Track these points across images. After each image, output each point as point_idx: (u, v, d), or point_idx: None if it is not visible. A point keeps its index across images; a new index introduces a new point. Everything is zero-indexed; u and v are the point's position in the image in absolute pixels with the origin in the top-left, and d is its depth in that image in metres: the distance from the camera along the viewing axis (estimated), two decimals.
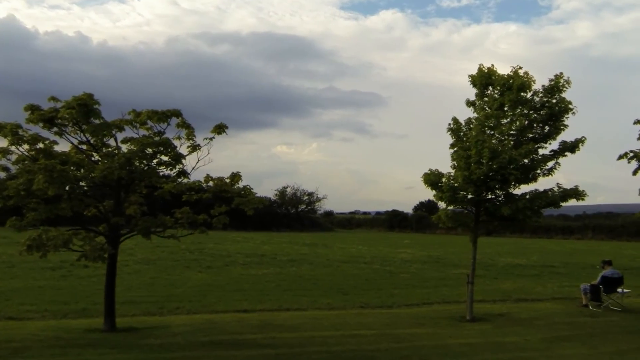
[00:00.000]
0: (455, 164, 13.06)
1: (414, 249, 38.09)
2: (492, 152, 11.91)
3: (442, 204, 13.37)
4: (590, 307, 14.40)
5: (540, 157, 12.50)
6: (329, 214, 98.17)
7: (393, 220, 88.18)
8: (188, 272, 20.96)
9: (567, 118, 12.73)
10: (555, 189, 12.56)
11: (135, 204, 9.63)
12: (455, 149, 13.09)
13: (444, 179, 12.87)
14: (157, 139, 9.77)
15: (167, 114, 9.76)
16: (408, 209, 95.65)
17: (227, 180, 11.00)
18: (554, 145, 12.92)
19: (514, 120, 12.62)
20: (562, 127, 12.71)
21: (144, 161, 9.67)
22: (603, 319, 13.07)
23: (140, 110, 9.93)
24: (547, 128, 12.72)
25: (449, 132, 13.30)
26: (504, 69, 13.06)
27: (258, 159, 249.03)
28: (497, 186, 12.47)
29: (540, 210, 12.68)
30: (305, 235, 60.09)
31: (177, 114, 9.90)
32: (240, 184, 11.45)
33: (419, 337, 10.98)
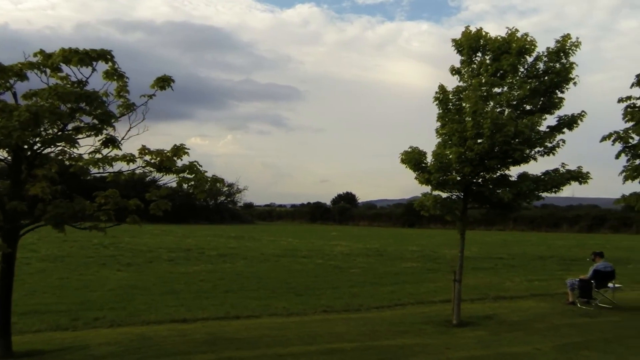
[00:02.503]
0: (444, 140, 11.03)
1: (346, 241, 36.23)
2: (494, 124, 9.94)
3: (423, 188, 11.30)
4: (579, 305, 12.88)
5: (543, 133, 10.67)
6: (248, 206, 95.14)
7: (315, 212, 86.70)
8: (105, 271, 17.83)
9: (567, 89, 11.01)
10: (562, 169, 10.79)
11: (43, 181, 6.77)
12: (444, 122, 11.05)
13: (430, 158, 10.80)
14: (77, 89, 6.96)
15: (91, 55, 6.95)
16: (324, 201, 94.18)
17: (169, 154, 8.31)
18: (549, 121, 11.18)
19: (513, 89, 10.72)
20: (557, 100, 10.96)
21: (59, 121, 6.83)
22: (604, 319, 11.50)
23: (52, 52, 7.07)
24: (542, 100, 10.91)
25: (436, 103, 11.23)
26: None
27: None
28: (497, 165, 10.54)
29: (541, 195, 10.90)
30: (228, 227, 57.04)
31: (105, 56, 7.11)
32: (185, 160, 8.80)
33: (412, 350, 8.85)
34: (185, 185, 8.86)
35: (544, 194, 11.03)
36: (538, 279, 17.36)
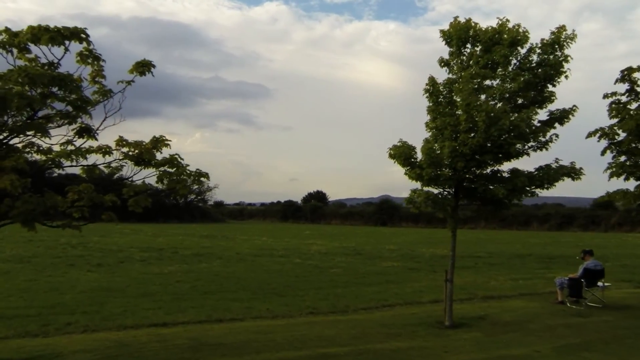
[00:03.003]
0: (435, 134, 10.59)
1: (321, 239, 35.75)
2: (489, 117, 9.54)
3: (412, 184, 10.83)
4: (568, 304, 12.60)
5: (536, 127, 10.31)
6: (219, 205, 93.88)
7: (287, 211, 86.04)
8: (74, 272, 16.96)
9: (558, 82, 10.67)
10: (554, 165, 10.43)
11: (12, 174, 6.01)
12: (435, 115, 10.60)
13: (422, 153, 10.34)
14: (49, 72, 6.24)
15: (63, 33, 6.23)
16: (294, 200, 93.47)
17: (148, 146, 7.64)
18: (539, 115, 10.80)
19: (506, 81, 10.33)
20: (548, 94, 10.60)
21: (28, 107, 6.11)
22: (597, 319, 11.22)
23: (19, 30, 6.33)
24: (532, 94, 10.53)
25: (426, 95, 10.78)
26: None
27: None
28: (490, 160, 10.14)
29: (535, 192, 10.55)
30: (199, 226, 56.04)
31: (79, 34, 6.39)
32: (165, 153, 8.13)
33: (407, 354, 8.39)
34: (165, 181, 8.17)
35: (537, 191, 10.69)
36: (522, 277, 17.10)
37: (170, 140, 8.15)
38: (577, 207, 63.00)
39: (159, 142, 8.13)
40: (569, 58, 10.26)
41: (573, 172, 10.45)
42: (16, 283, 14.46)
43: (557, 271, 19.01)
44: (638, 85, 14.09)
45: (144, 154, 7.66)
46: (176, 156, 8.35)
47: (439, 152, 10.33)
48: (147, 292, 13.62)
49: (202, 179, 8.36)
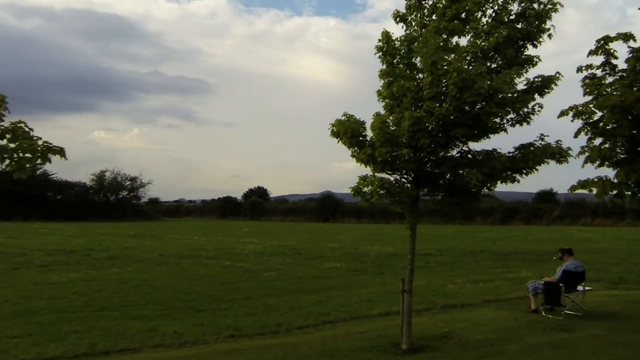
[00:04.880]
0: (389, 104, 8.28)
1: (259, 238, 33.11)
2: (462, 79, 7.27)
3: (362, 168, 8.49)
4: (543, 313, 10.57)
5: (518, 94, 8.11)
6: (154, 202, 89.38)
7: (225, 207, 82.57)
8: None
9: (540, 42, 8.56)
10: (539, 143, 8.27)
11: None
12: (390, 79, 8.28)
13: (373, 129, 7.98)
14: None
15: None
16: (236, 196, 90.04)
17: None
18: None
19: (479, 36, 8.12)
20: (528, 57, 8.49)
21: None
22: (585, 332, 9.13)
23: None
24: (511, 53, 8.34)
25: (378, 54, 8.44)
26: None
27: (73, 144, 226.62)
28: (463, 137, 7.89)
29: (515, 177, 8.37)
30: (129, 225, 52.20)
31: None
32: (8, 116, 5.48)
33: None
34: (4, 157, 5.49)
35: (516, 176, 8.53)
36: (481, 279, 15.08)
37: (7, 101, 5.47)
38: (519, 201, 62.62)
39: None
40: (558, 6, 8.13)
41: (560, 153, 8.33)
42: None
43: (516, 269, 17.21)
44: (615, 57, 12.28)
45: None
46: (22, 124, 5.69)
47: (394, 127, 8.05)
48: (27, 310, 10.75)
49: (55, 156, 5.71)
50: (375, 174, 8.24)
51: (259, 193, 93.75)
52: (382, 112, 8.46)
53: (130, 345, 8.22)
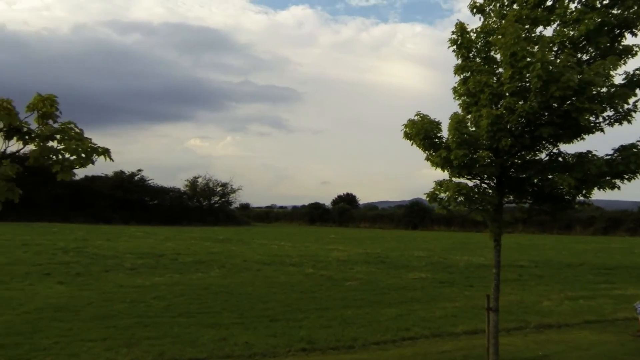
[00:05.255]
0: (466, 102, 7.54)
1: (345, 245, 32.70)
2: (547, 72, 6.44)
3: (438, 172, 7.81)
4: None
5: (616, 88, 7.11)
6: (245, 207, 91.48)
7: (314, 214, 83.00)
8: (42, 284, 14.36)
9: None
10: None
11: None
12: (466, 75, 7.55)
13: (449, 129, 7.29)
14: None
15: None
16: (325, 203, 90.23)
17: (8, 106, 4.85)
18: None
19: (567, 24, 7.21)
20: (626, 47, 7.44)
21: None
22: None
23: None
24: (604, 43, 7.30)
25: (453, 48, 7.74)
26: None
27: (171, 152, 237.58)
28: (550, 137, 7.03)
29: (614, 183, 7.37)
30: (219, 229, 53.51)
31: None
32: (60, 117, 5.35)
33: None
34: (50, 157, 5.34)
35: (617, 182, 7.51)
36: (581, 295, 13.82)
37: (56, 97, 5.33)
38: (623, 210, 58.40)
39: (44, 101, 5.32)
40: None
41: None
42: None
43: (622, 286, 15.68)
44: None
45: (10, 118, 4.84)
46: (72, 125, 5.53)
47: (472, 127, 7.32)
48: (107, 313, 10.85)
49: (99, 157, 5.52)
50: (453, 178, 7.54)
51: (347, 200, 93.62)
52: (459, 111, 7.74)
53: (199, 355, 7.99)
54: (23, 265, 17.70)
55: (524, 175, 7.49)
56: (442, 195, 7.50)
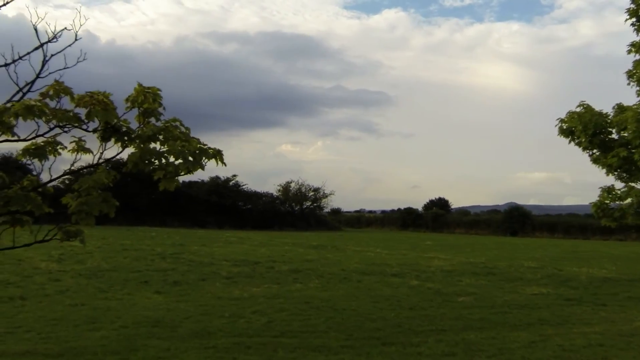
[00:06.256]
0: None
1: (444, 253, 30.95)
2: None
3: (604, 176, 6.33)
4: None
5: None
6: (336, 212, 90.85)
7: (406, 219, 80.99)
8: (139, 293, 13.95)
9: None
10: None
11: None
12: None
13: (628, 122, 5.81)
14: None
15: None
16: (415, 207, 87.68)
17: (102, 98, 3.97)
18: None
19: None
20: None
21: None
22: None
23: None
24: None
25: (631, 21, 6.25)
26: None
27: (263, 157, 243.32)
28: None
29: None
30: (311, 235, 52.98)
31: None
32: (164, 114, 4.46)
33: None
34: (152, 162, 4.44)
35: None
36: None
37: (159, 90, 4.43)
38: None
39: (152, 94, 4.43)
40: None
41: None
42: (57, 308, 11.59)
43: None
44: None
45: (100, 112, 3.96)
46: (178, 122, 4.61)
47: None
48: (205, 329, 10.07)
49: (209, 160, 4.54)
50: (632, 184, 6.04)
51: (439, 204, 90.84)
52: (635, 100, 6.23)
53: None
54: (122, 272, 17.56)
55: None
56: (612, 204, 6.03)
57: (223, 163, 4.79)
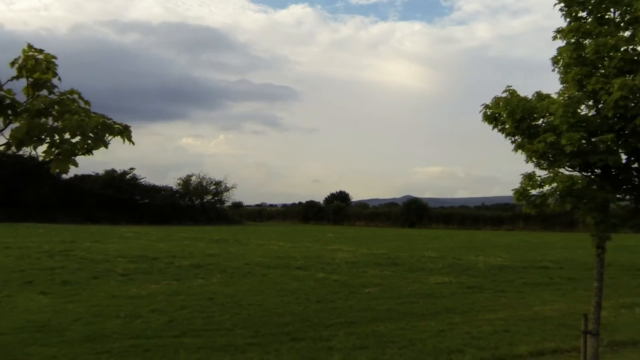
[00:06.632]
0: (578, 73, 5.94)
1: (347, 245, 31.10)
2: None
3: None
4: None
5: None
6: (237, 206, 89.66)
7: (308, 212, 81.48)
8: (24, 294, 12.68)
9: None
10: None
11: None
12: (578, 38, 5.97)
13: (554, 109, 5.72)
14: None
15: None
16: (317, 201, 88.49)
17: None
18: None
19: None
20: None
21: None
22: None
23: None
24: None
25: (560, 5, 6.16)
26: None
27: (164, 151, 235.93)
28: None
29: None
30: (213, 229, 51.71)
31: None
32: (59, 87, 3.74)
33: None
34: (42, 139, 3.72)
35: None
36: (634, 303, 12.31)
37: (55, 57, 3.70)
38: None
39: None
40: None
41: None
42: None
43: None
44: None
45: None
46: (75, 96, 3.88)
47: (588, 105, 5.76)
48: (98, 332, 9.17)
49: (115, 137, 3.89)
50: (559, 170, 5.96)
51: (340, 197, 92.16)
52: (568, 83, 6.14)
53: None
54: (2, 272, 15.94)
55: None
56: (534, 191, 5.93)
57: (131, 141, 4.13)
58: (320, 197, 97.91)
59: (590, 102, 5.92)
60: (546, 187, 5.85)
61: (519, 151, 6.09)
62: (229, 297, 12.69)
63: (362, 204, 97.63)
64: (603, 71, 5.60)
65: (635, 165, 5.95)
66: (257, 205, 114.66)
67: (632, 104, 5.23)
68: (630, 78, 5.28)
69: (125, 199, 61.69)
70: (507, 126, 6.00)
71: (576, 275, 17.35)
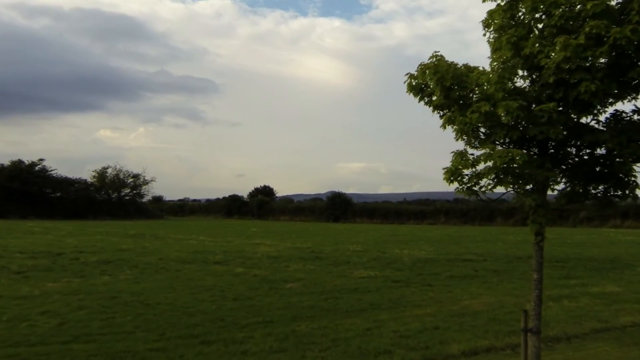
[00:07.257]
0: (513, 35, 5.26)
1: (270, 239, 30.10)
2: None
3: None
4: None
5: None
6: (158, 200, 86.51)
7: (232, 206, 79.57)
8: None
9: None
10: None
11: None
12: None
13: (494, 73, 5.01)
14: None
15: None
16: (241, 195, 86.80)
17: None
18: None
19: None
20: None
21: None
22: None
23: None
24: None
25: None
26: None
27: (80, 143, 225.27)
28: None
29: None
30: (130, 223, 49.27)
31: None
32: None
33: None
34: None
35: None
36: (560, 295, 12.09)
37: None
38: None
39: None
40: None
41: None
42: None
43: (591, 281, 14.22)
44: None
45: None
46: None
47: (523, 71, 5.08)
48: None
49: None
50: (495, 146, 5.26)
51: (265, 192, 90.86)
52: (502, 44, 5.43)
53: None
54: None
55: (581, 143, 5.33)
56: (466, 171, 5.22)
57: None
58: (245, 191, 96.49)
59: (526, 72, 5.29)
60: (480, 166, 5.16)
61: (448, 127, 5.36)
62: (135, 296, 11.45)
63: (287, 199, 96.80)
64: (545, 33, 4.95)
65: (573, 142, 5.35)
66: (179, 200, 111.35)
67: (575, 67, 4.60)
68: (574, 37, 4.64)
69: (34, 192, 57.78)
70: (435, 97, 5.28)
71: (500, 267, 17.18)
